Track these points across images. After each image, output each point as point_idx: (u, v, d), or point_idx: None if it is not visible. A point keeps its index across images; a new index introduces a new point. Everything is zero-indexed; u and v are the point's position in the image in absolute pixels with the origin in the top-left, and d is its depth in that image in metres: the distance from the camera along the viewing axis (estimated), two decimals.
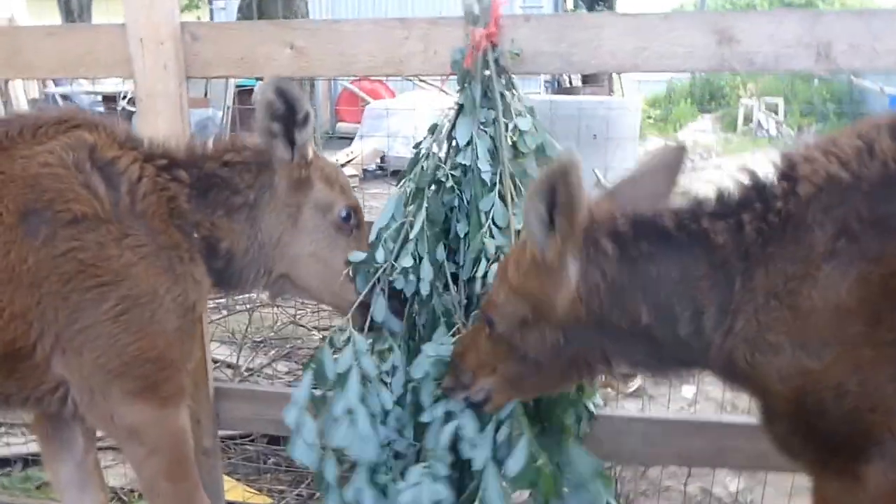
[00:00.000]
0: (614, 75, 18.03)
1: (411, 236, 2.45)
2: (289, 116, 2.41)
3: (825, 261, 1.72)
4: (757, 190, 1.88)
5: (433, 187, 2.54)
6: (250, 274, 2.52)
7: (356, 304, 2.51)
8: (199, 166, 2.44)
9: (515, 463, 2.23)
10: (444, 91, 2.86)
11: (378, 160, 12.91)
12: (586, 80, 17.96)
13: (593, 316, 1.98)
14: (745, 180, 1.91)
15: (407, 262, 2.42)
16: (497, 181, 2.46)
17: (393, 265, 2.48)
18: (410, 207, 2.52)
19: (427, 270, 2.42)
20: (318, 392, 2.43)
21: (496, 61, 2.54)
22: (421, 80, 13.35)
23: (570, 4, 22.59)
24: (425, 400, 2.41)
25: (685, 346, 1.94)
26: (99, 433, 2.81)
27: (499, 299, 2.11)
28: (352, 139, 13.42)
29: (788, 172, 1.84)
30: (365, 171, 12.11)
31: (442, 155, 2.58)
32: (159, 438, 2.33)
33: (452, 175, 2.53)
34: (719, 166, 9.66)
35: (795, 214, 1.79)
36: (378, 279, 2.51)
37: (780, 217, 1.81)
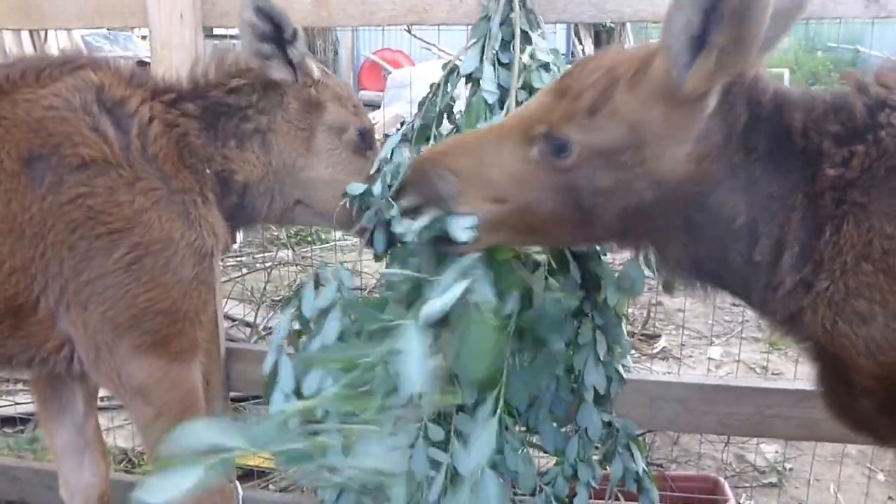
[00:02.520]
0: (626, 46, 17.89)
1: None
2: (277, 36, 2.23)
3: None
4: (870, 115, 1.48)
5: (444, 123, 2.30)
6: (264, 205, 2.35)
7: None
8: (205, 96, 2.26)
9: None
10: (461, 59, 2.57)
11: (399, 125, 12.77)
12: (598, 44, 17.87)
13: (698, 187, 1.54)
14: (860, 95, 1.50)
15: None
16: (504, 109, 2.15)
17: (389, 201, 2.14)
18: (417, 145, 2.29)
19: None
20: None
21: (523, 3, 2.31)
22: (440, 49, 13.14)
23: None
24: None
25: (749, 274, 1.59)
26: (104, 393, 2.62)
27: (592, 121, 1.54)
28: (374, 106, 13.28)
29: (889, 98, 1.47)
30: (386, 135, 12.02)
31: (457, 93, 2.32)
32: (168, 397, 2.13)
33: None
34: None
35: (890, 156, 1.44)
36: (377, 214, 2.21)
37: (880, 155, 1.45)
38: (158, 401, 2.11)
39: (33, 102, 2.01)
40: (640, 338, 5.13)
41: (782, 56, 19.49)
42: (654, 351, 5.02)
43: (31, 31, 6.55)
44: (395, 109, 12.49)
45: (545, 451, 2.25)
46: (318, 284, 2.18)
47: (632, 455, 2.28)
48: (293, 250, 6.64)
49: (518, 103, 2.11)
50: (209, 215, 2.16)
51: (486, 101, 2.13)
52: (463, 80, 2.28)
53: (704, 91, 1.47)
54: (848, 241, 1.48)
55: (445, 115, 2.28)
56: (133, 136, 2.05)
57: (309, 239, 7.25)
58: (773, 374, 4.62)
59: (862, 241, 1.46)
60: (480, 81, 2.15)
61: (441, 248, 1.73)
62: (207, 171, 2.20)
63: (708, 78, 1.44)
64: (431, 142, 2.22)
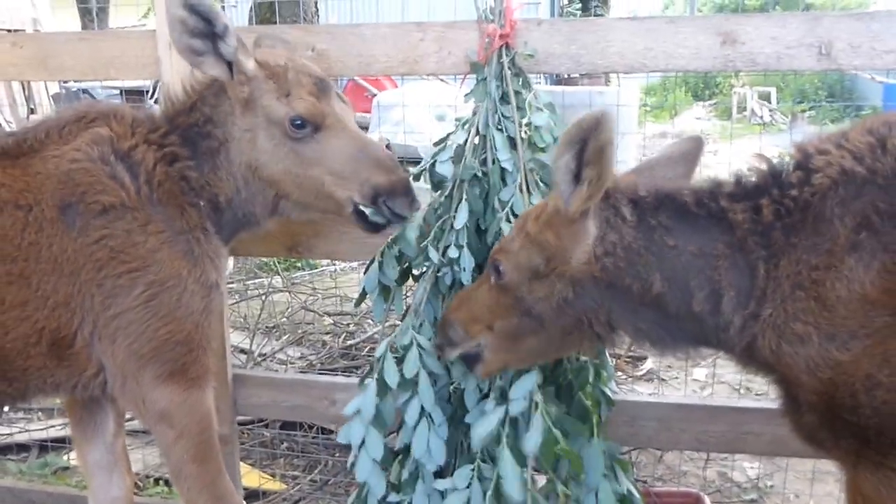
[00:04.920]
0: None
1: (457, 226, 2.39)
2: (209, 32, 2.26)
3: (848, 253, 1.72)
4: (773, 176, 1.89)
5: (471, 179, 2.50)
6: (255, 208, 2.46)
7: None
8: (177, 125, 2.41)
9: (533, 439, 2.14)
10: (445, 82, 2.86)
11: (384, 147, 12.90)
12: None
13: (607, 276, 1.98)
14: (761, 166, 1.92)
15: (453, 252, 2.37)
16: (515, 172, 2.46)
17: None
18: (445, 198, 2.49)
19: (468, 260, 2.37)
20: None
21: (511, 61, 2.59)
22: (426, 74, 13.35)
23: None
24: (469, 399, 2.34)
25: (697, 323, 1.94)
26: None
27: (513, 247, 2.10)
28: (360, 127, 13.44)
29: (803, 162, 1.85)
30: None
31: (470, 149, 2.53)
32: (188, 421, 2.36)
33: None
34: (715, 152, 9.69)
35: (813, 205, 1.79)
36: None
37: (797, 205, 1.81)
38: (179, 424, 2.35)
39: (60, 157, 2.26)
40: (627, 360, 5.28)
41: (769, 75, 19.83)
42: (640, 373, 5.23)
43: None
44: (381, 132, 12.70)
45: (536, 470, 2.47)
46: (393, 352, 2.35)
47: (615, 476, 2.45)
48: (282, 277, 6.81)
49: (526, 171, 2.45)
50: (210, 250, 2.39)
51: (503, 169, 2.43)
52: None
53: (584, 210, 1.97)
54: (783, 273, 1.81)
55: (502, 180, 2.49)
56: (142, 183, 2.29)
57: (298, 265, 7.42)
58: (756, 394, 4.82)
59: (794, 271, 1.79)
60: (496, 151, 2.45)
61: (469, 368, 2.29)
62: (202, 202, 2.39)
63: (584, 201, 1.94)
64: (464, 196, 2.44)
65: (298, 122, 2.34)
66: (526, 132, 2.53)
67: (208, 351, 2.40)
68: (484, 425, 2.19)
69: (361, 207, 2.37)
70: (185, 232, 2.34)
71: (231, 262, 6.74)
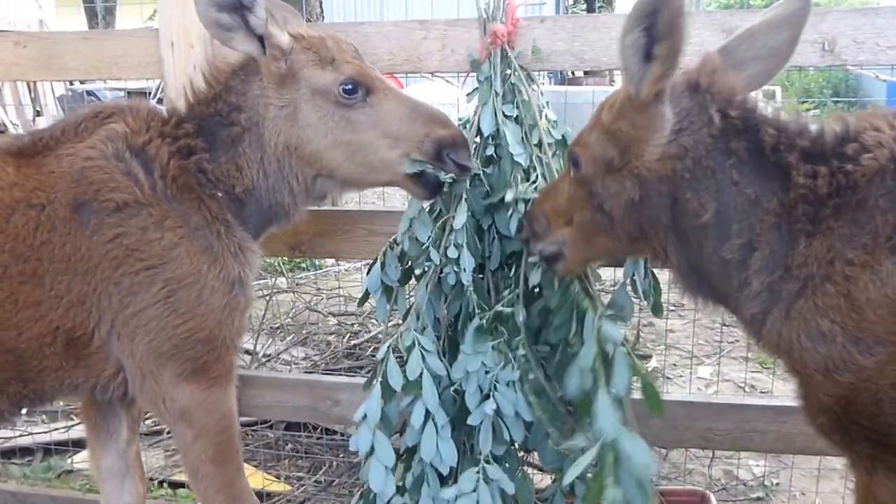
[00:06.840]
0: None
1: (456, 226, 2.34)
2: (237, 4, 2.20)
3: (887, 254, 1.61)
4: (839, 142, 1.75)
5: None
6: (283, 197, 2.40)
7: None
8: (196, 115, 2.37)
9: (622, 378, 2.04)
10: (449, 82, 2.84)
11: None
12: (588, 71, 17.99)
13: (673, 181, 1.85)
14: (835, 127, 1.77)
15: (452, 252, 2.33)
16: (531, 167, 2.44)
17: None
18: (444, 198, 2.47)
19: (468, 260, 2.34)
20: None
21: (514, 59, 2.57)
22: (429, 73, 13.36)
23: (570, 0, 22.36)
24: (470, 400, 2.28)
25: (724, 273, 1.84)
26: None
27: (589, 139, 1.99)
28: None
29: (854, 136, 1.73)
30: None
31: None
32: (208, 420, 2.33)
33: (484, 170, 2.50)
34: None
35: (859, 190, 1.67)
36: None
37: (848, 183, 1.69)
38: (198, 424, 2.32)
39: (74, 155, 2.25)
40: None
41: None
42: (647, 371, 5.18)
43: None
44: None
45: (542, 470, 2.45)
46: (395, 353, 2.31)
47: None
48: (286, 278, 6.81)
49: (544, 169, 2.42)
50: (232, 244, 2.33)
51: (517, 163, 2.40)
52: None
53: (657, 93, 1.81)
54: (814, 256, 1.70)
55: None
56: (157, 178, 2.26)
57: (303, 265, 7.42)
58: (761, 392, 4.80)
59: (826, 259, 1.68)
60: (508, 147, 2.41)
61: (551, 267, 2.23)
62: (220, 194, 2.34)
63: (656, 81, 1.79)
64: (464, 195, 2.40)
65: (349, 86, 2.29)
66: (546, 124, 2.52)
67: (232, 349, 2.35)
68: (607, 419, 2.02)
69: (417, 168, 2.32)
70: (204, 226, 2.29)
71: None
